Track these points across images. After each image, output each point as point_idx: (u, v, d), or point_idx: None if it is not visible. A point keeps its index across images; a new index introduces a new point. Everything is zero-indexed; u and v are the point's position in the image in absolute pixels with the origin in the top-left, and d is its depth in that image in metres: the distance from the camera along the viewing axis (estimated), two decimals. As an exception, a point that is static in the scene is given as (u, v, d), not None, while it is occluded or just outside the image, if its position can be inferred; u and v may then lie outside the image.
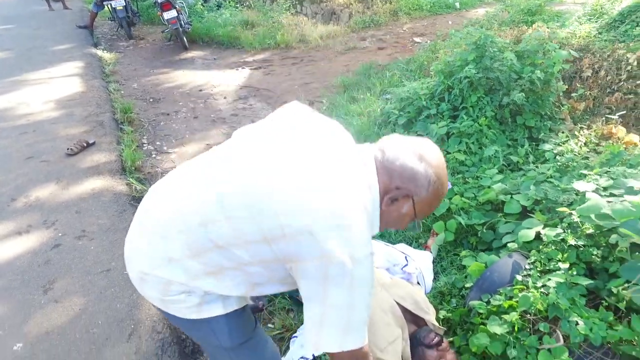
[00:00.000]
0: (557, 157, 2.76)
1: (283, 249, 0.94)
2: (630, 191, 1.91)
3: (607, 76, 3.82)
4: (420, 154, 1.04)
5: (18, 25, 8.21)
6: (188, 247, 1.00)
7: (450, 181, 2.62)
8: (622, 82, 3.70)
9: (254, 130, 1.10)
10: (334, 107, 4.09)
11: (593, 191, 1.98)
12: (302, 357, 1.72)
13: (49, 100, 4.55)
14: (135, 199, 2.89)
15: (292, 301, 2.05)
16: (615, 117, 3.12)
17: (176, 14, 6.60)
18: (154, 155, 3.63)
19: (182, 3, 7.49)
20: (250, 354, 1.22)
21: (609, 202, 1.80)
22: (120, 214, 2.71)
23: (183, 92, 5.16)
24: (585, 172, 2.19)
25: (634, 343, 1.48)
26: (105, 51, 6.62)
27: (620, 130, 3.11)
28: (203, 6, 8.73)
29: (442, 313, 1.95)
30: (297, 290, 1.01)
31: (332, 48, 6.44)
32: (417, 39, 6.16)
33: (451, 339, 1.89)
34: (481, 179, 2.64)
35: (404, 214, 1.06)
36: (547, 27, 4.61)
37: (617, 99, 3.56)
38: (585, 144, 2.98)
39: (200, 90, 5.19)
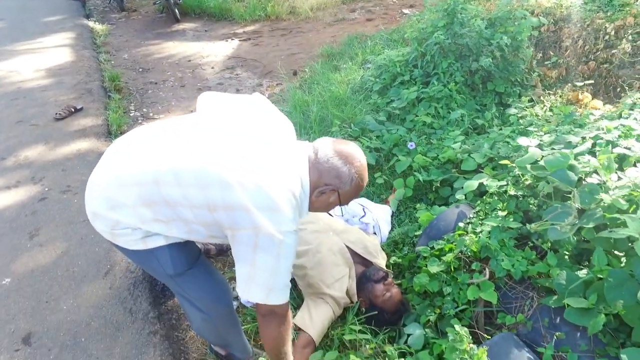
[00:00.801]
0: (520, 121, 2.90)
1: (222, 217, 1.15)
2: (568, 146, 2.05)
3: (585, 45, 3.89)
4: (346, 156, 1.29)
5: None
6: (140, 197, 1.18)
7: (415, 142, 2.76)
8: (598, 52, 3.77)
9: (214, 114, 1.31)
10: (315, 76, 4.19)
11: (536, 146, 2.12)
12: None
13: (40, 69, 4.66)
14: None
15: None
16: (582, 84, 3.22)
17: (168, -14, 6.60)
18: (140, 121, 3.77)
19: (174, -26, 7.46)
20: (194, 281, 1.38)
21: (545, 155, 1.95)
22: (103, 172, 2.87)
23: (172, 63, 5.25)
24: (532, 129, 2.32)
25: (550, 276, 1.64)
26: (97, 23, 6.67)
27: (586, 97, 3.23)
28: (195, -22, 8.67)
29: (394, 259, 2.12)
30: None
31: (321, 20, 6.47)
32: (405, 11, 6.17)
33: (399, 281, 2.07)
34: (445, 140, 2.77)
35: (331, 202, 1.33)
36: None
37: (590, 67, 3.65)
38: (550, 109, 3.10)
39: (189, 61, 5.28)
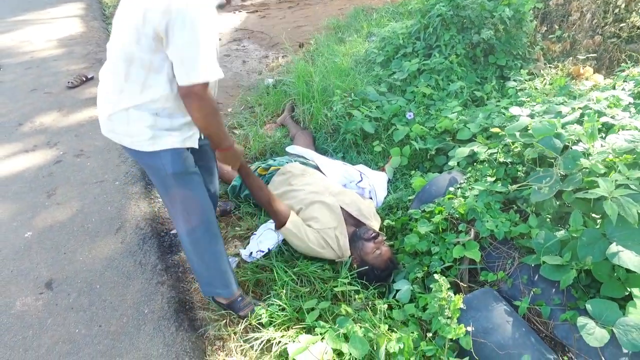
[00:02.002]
0: (519, 93, 2.94)
1: (159, 26, 1.30)
2: (558, 115, 2.12)
3: (593, 19, 3.85)
4: None
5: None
6: (115, 77, 1.44)
7: (414, 112, 2.84)
8: (606, 26, 3.74)
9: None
10: (320, 48, 4.23)
11: (528, 115, 2.19)
12: (259, 251, 2.05)
13: (51, 39, 4.77)
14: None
15: (256, 207, 2.37)
16: (582, 57, 3.23)
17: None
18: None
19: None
20: (186, 184, 1.62)
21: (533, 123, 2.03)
22: (114, 139, 3.01)
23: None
24: (526, 100, 2.38)
25: (531, 237, 1.75)
26: (105, -7, 6.72)
27: (587, 71, 3.24)
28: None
29: (387, 221, 2.23)
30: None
31: (329, -8, 6.43)
32: (414, -18, 6.11)
33: (392, 242, 2.20)
34: (443, 111, 2.84)
35: None
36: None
37: (595, 41, 3.64)
38: (550, 82, 3.13)
39: (197, 32, 5.33)
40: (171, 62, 1.37)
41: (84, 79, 3.80)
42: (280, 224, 1.95)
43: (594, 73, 3.24)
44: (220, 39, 5.08)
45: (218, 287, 1.78)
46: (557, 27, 3.75)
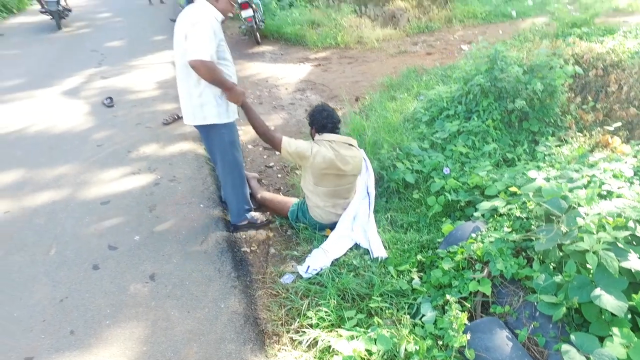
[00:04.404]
0: (546, 158, 3.34)
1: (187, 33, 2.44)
2: (570, 180, 2.52)
3: (630, 92, 4.19)
4: None
5: (126, 18, 9.83)
6: (185, 76, 2.58)
7: (450, 168, 3.31)
8: (641, 98, 4.06)
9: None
10: (374, 103, 4.83)
11: (544, 179, 2.60)
12: (313, 269, 2.56)
13: (151, 82, 5.77)
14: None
15: (313, 233, 2.91)
16: (611, 128, 3.58)
17: (252, 13, 7.57)
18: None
19: (258, 2, 8.48)
20: (236, 148, 2.85)
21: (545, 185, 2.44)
22: (199, 168, 3.73)
23: (252, 82, 6.15)
24: (543, 165, 2.80)
25: (533, 278, 2.14)
26: (192, 42, 7.83)
27: (615, 140, 3.58)
28: (276, 5, 9.72)
29: (419, 257, 2.68)
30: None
31: (385, 50, 7.13)
32: (464, 47, 6.67)
33: (421, 274, 2.63)
34: (476, 168, 3.29)
35: (226, 1, 2.56)
36: (586, 41, 5.00)
37: (629, 113, 3.97)
38: (578, 149, 3.49)
39: (267, 81, 6.15)
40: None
41: (176, 117, 4.63)
42: (277, 146, 2.72)
43: (622, 143, 3.56)
44: (286, 89, 5.86)
45: (243, 211, 2.99)
46: (590, 98, 4.11)
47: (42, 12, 8.54)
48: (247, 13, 7.51)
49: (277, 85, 6.00)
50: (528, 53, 4.17)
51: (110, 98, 5.15)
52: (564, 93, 3.76)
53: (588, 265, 2.10)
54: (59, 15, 8.55)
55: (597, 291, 1.84)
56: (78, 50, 7.41)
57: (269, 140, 2.78)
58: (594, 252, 1.86)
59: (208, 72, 2.44)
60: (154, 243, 2.83)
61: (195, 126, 2.76)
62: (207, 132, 2.76)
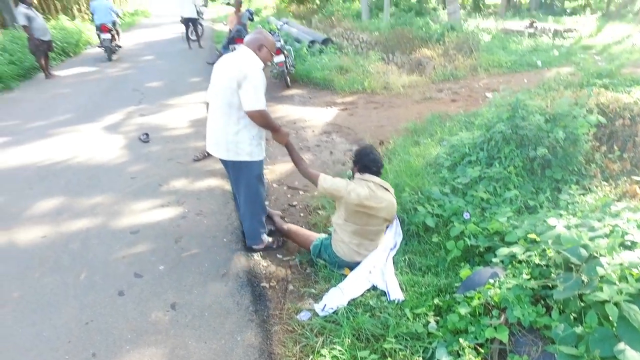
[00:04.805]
0: (569, 206, 3.31)
1: (241, 80, 2.72)
2: (591, 229, 2.50)
3: (658, 142, 4.15)
4: (254, 34, 2.94)
5: (167, 61, 10.56)
6: (226, 117, 2.84)
7: (470, 213, 3.33)
8: (672, 149, 4.01)
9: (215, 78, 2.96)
10: (397, 148, 4.94)
11: (564, 226, 2.59)
12: (330, 307, 2.59)
13: (184, 120, 6.12)
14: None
15: (332, 271, 2.95)
16: (638, 178, 3.53)
17: (284, 58, 8.02)
18: (252, 168, 4.82)
19: (290, 48, 8.97)
20: (261, 182, 3.13)
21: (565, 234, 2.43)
22: (225, 204, 3.88)
23: (281, 123, 6.38)
24: (563, 212, 2.79)
25: (552, 328, 2.10)
26: (227, 85, 8.32)
27: (642, 191, 3.53)
28: (307, 51, 10.23)
29: (436, 301, 2.67)
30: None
31: (410, 96, 7.33)
32: (488, 95, 6.78)
33: (437, 318, 2.61)
34: (496, 214, 3.30)
35: (267, 51, 2.90)
36: (612, 91, 5.03)
37: (656, 164, 3.91)
38: (602, 198, 3.45)
39: (294, 123, 6.40)
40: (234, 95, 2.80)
41: (206, 154, 4.86)
42: (315, 181, 2.91)
43: (649, 194, 3.50)
44: (313, 131, 6.07)
45: (259, 235, 3.20)
46: (617, 147, 4.09)
47: (99, 47, 11.03)
48: (278, 58, 7.94)
49: (304, 127, 6.23)
50: (552, 102, 4.23)
51: (147, 134, 5.49)
52: (587, 142, 3.76)
53: (611, 317, 2.06)
54: (111, 50, 10.71)
55: (621, 345, 1.80)
56: (121, 89, 8.00)
57: (308, 176, 2.99)
58: (615, 304, 1.83)
59: (263, 120, 2.82)
60: (178, 273, 2.93)
61: (225, 160, 2.98)
62: (238, 167, 3.00)
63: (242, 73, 2.69)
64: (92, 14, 10.61)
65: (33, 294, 2.75)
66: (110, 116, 6.39)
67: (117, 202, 3.88)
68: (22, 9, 8.17)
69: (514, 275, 2.50)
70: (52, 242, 3.30)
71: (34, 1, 11.57)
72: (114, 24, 10.68)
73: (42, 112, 6.64)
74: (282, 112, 6.94)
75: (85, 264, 3.04)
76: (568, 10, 21.29)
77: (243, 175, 3.03)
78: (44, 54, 8.74)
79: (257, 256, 3.22)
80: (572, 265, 2.31)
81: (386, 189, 2.98)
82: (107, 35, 10.26)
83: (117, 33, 11.15)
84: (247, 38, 2.96)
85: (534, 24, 13.92)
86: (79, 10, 17.22)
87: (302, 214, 3.93)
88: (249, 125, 2.86)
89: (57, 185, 4.22)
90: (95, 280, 2.87)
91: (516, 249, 2.62)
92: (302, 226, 3.72)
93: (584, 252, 2.24)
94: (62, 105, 6.98)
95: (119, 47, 11.30)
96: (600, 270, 2.06)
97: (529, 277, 2.42)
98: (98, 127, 5.93)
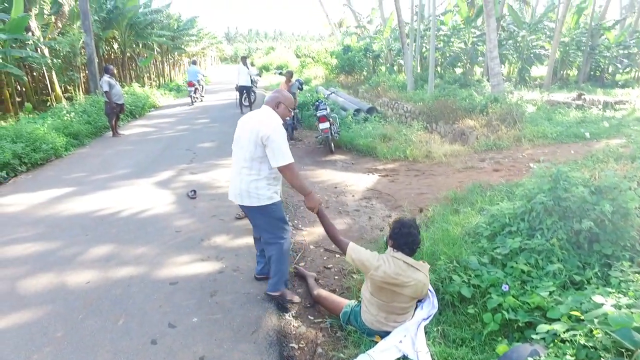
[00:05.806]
0: (621, 284, 3.10)
1: (264, 139, 2.94)
2: (643, 311, 2.32)
3: None
4: (273, 93, 3.24)
5: (220, 123, 11.44)
6: (247, 169, 3.07)
7: (509, 285, 3.19)
8: None
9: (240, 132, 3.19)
10: (437, 216, 4.91)
11: (612, 305, 2.42)
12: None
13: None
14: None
15: (361, 337, 2.87)
16: (700, 261, 3.27)
17: (329, 125, 8.41)
18: (292, 230, 4.93)
19: (336, 116, 9.42)
20: (283, 225, 3.27)
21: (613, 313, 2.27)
22: (261, 262, 3.97)
23: (322, 187, 6.59)
24: (611, 290, 2.62)
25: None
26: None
27: None
28: (352, 119, 10.68)
29: (470, 377, 2.52)
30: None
31: (452, 165, 7.35)
32: (532, 165, 6.66)
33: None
34: (538, 288, 3.14)
35: (285, 108, 3.17)
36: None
37: None
38: (659, 279, 3.20)
39: (336, 187, 6.56)
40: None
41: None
42: (344, 250, 2.93)
43: None
44: (353, 196, 6.18)
45: (281, 283, 3.26)
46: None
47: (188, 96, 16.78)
48: (324, 125, 8.34)
49: (344, 191, 6.36)
50: (599, 174, 4.11)
51: (194, 191, 5.84)
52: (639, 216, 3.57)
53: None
54: (193, 99, 16.60)
55: None
56: (175, 148, 8.68)
57: (337, 243, 3.02)
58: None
59: (292, 174, 3.01)
60: (209, 326, 2.98)
61: (246, 207, 3.17)
62: (260, 212, 3.15)
63: (264, 133, 2.91)
64: (188, 75, 17.17)
65: (74, 335, 2.89)
66: (163, 172, 6.91)
67: (160, 254, 4.08)
68: (106, 77, 9.71)
69: (556, 356, 2.34)
70: (97, 286, 3.50)
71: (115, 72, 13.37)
72: (198, 81, 16.80)
73: (106, 166, 7.35)
74: (324, 176, 7.15)
75: (124, 310, 3.18)
76: (620, 83, 20.94)
77: (265, 219, 3.19)
78: (115, 116, 10.25)
79: (288, 316, 3.22)
80: (623, 350, 2.14)
81: (417, 269, 2.88)
82: (192, 88, 16.37)
83: (202, 88, 17.99)
84: (267, 97, 3.25)
85: (582, 96, 13.80)
86: (149, 78, 19.55)
87: (336, 277, 3.92)
88: (269, 176, 3.07)
89: (109, 234, 4.53)
90: (132, 327, 2.97)
91: (558, 327, 2.47)
92: (335, 289, 3.71)
93: (637, 335, 2.08)
94: (123, 160, 7.68)
95: (203, 96, 17.96)
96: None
97: (573, 358, 2.25)
98: (151, 182, 6.41)
